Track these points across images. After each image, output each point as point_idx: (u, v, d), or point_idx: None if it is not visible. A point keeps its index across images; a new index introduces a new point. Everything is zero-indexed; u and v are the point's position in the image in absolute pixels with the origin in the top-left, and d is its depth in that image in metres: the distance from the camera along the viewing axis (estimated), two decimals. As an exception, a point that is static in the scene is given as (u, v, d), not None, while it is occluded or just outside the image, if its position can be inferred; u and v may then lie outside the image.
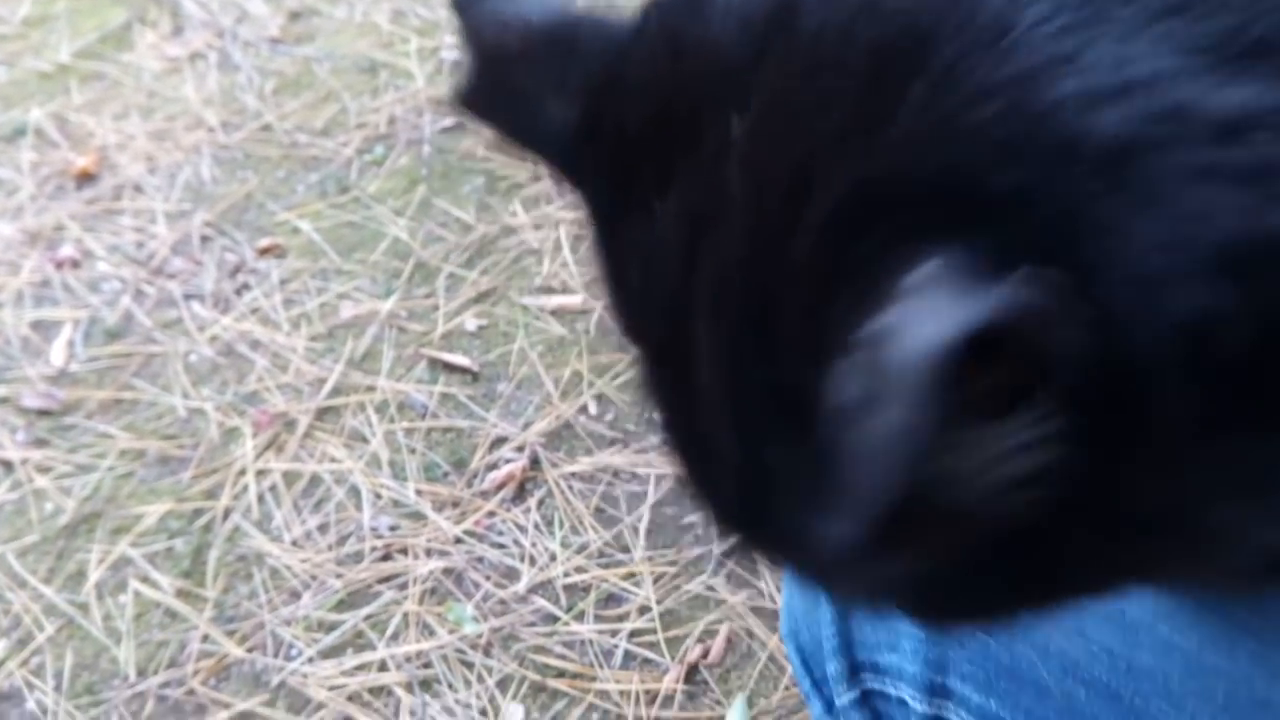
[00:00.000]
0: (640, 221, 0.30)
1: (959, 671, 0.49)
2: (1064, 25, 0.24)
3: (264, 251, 1.48)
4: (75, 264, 1.49)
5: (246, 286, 1.44)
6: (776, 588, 1.09)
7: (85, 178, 1.62)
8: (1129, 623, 0.46)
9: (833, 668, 0.54)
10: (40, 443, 1.27)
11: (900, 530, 0.21)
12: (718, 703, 1.02)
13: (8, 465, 1.25)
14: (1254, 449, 0.25)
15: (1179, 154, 0.23)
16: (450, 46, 1.84)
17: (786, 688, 1.02)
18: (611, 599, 1.10)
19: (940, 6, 0.25)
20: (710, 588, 1.10)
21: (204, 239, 1.51)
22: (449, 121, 1.67)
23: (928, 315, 0.20)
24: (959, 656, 0.49)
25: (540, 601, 1.10)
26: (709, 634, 1.07)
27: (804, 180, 0.25)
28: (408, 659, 1.06)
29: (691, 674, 1.04)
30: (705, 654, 1.05)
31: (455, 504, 1.19)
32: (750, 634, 1.06)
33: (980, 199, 0.24)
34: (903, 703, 0.51)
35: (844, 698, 0.54)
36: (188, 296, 1.43)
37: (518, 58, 0.35)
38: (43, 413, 1.30)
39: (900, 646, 0.51)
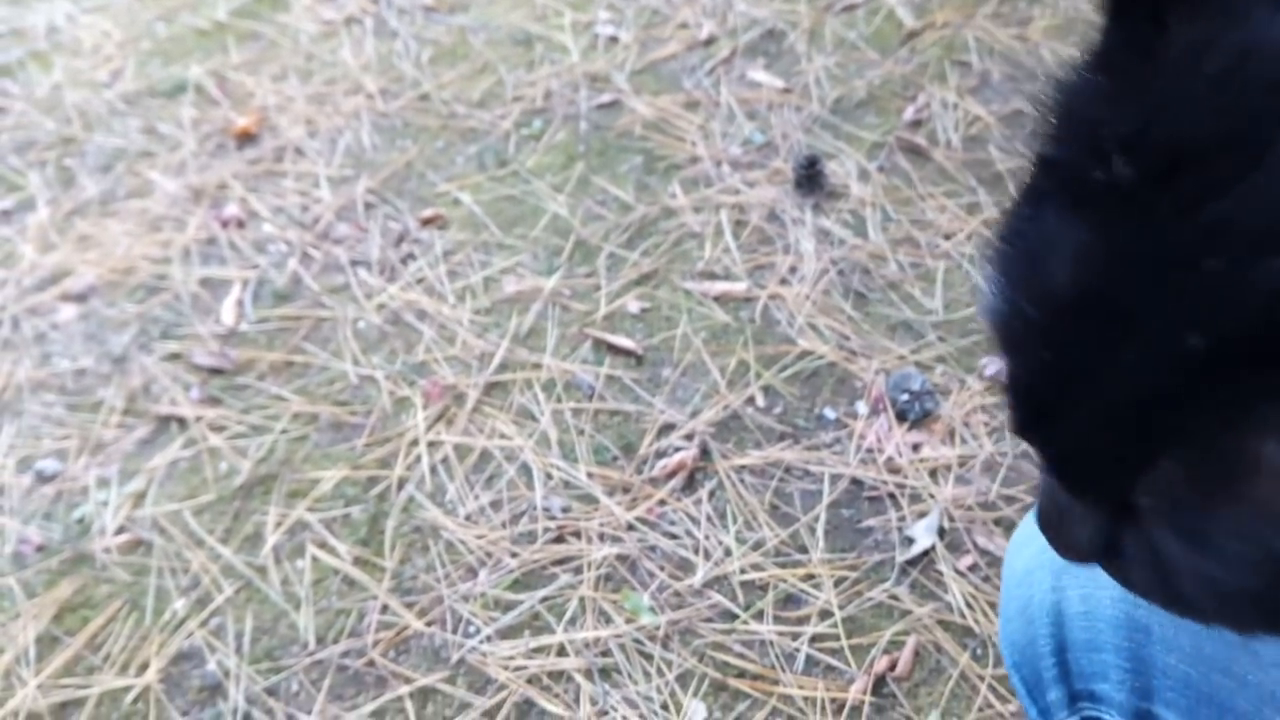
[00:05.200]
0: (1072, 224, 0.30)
1: (1164, 699, 0.53)
2: None
3: (427, 222, 1.47)
4: (240, 224, 1.49)
5: (411, 256, 1.43)
6: (965, 602, 1.05)
7: (246, 137, 1.62)
8: None
9: (1053, 695, 0.58)
10: (213, 401, 1.28)
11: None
12: (908, 718, 0.98)
13: (182, 422, 1.26)
14: None
15: None
16: (604, 22, 1.81)
17: (980, 709, 0.98)
18: (790, 600, 1.07)
19: None
20: (894, 597, 1.07)
21: (367, 206, 1.50)
22: (605, 98, 1.65)
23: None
24: (1162, 684, 0.53)
25: (716, 597, 1.08)
26: (894, 645, 1.03)
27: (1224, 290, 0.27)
28: (586, 645, 1.04)
29: (879, 685, 1.00)
30: (892, 665, 1.02)
31: (626, 489, 1.17)
32: (938, 648, 1.03)
33: None
34: None
35: None
36: (354, 263, 1.42)
37: None
38: (214, 371, 1.31)
39: (1109, 676, 0.55)
